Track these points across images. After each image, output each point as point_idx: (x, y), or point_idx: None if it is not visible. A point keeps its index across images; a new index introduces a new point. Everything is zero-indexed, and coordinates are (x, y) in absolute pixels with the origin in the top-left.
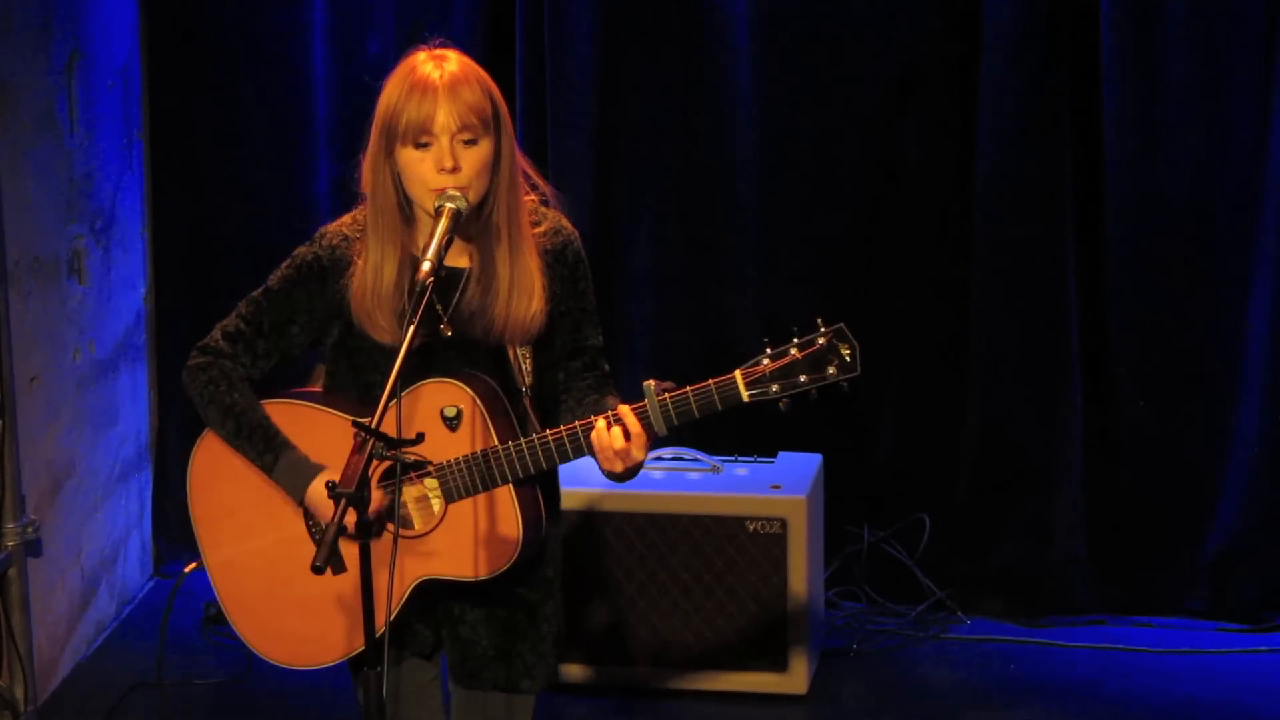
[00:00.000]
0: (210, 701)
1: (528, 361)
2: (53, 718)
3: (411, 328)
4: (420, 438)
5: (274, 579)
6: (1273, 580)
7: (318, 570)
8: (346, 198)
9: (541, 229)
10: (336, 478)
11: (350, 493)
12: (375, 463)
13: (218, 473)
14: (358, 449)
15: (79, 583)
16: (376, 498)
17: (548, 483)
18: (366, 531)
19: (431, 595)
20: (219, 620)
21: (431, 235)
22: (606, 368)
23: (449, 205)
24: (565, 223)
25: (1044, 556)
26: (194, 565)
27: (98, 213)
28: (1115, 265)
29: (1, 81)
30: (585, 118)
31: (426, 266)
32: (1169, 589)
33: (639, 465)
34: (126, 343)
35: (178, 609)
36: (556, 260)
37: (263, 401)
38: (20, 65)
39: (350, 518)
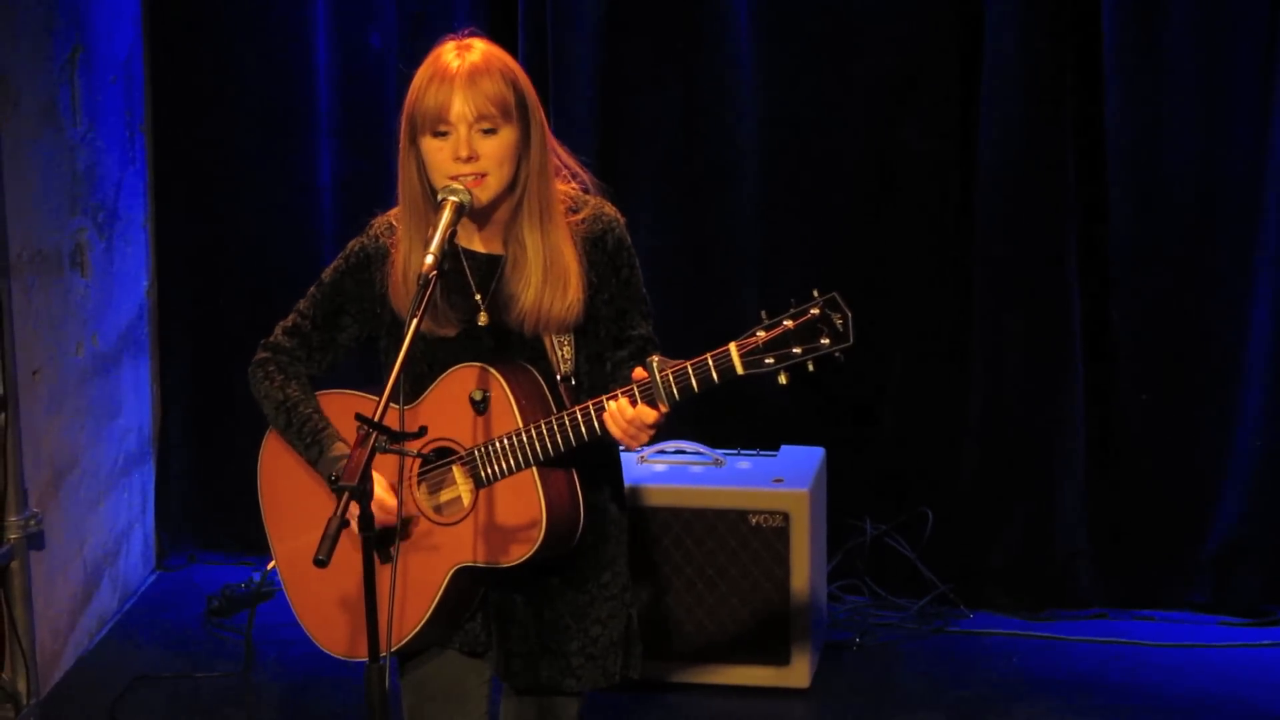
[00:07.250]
0: (212, 694)
1: (565, 349)
2: (55, 711)
3: (415, 319)
4: (423, 431)
5: (330, 572)
6: (1275, 574)
7: (319, 563)
8: (349, 189)
9: (580, 215)
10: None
11: (353, 486)
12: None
13: (281, 466)
14: (360, 442)
15: (81, 576)
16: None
17: (597, 473)
18: (369, 525)
19: (484, 588)
20: (221, 613)
21: (435, 227)
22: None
23: (452, 198)
24: (608, 209)
25: (1046, 550)
26: (273, 564)
27: (100, 206)
28: (1117, 259)
29: (4, 75)
30: (587, 111)
31: (429, 260)
32: (1171, 582)
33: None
34: (129, 335)
35: (180, 603)
36: (595, 247)
37: (320, 392)
38: (23, 59)
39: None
